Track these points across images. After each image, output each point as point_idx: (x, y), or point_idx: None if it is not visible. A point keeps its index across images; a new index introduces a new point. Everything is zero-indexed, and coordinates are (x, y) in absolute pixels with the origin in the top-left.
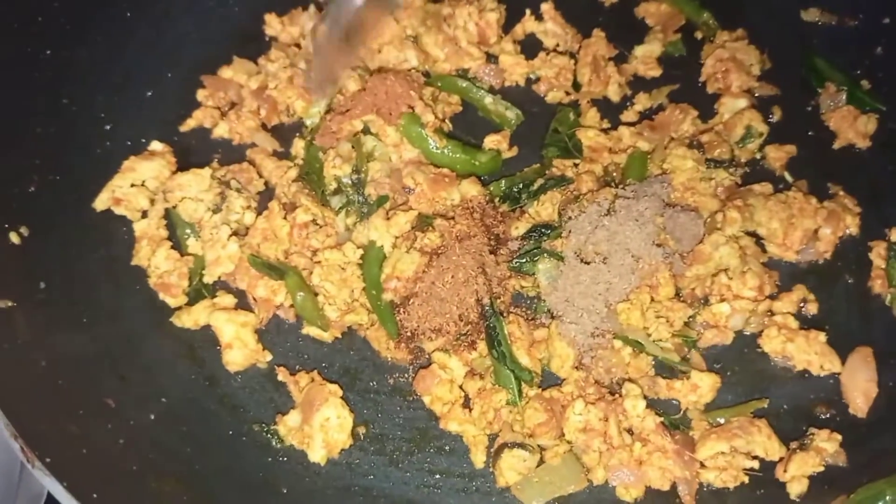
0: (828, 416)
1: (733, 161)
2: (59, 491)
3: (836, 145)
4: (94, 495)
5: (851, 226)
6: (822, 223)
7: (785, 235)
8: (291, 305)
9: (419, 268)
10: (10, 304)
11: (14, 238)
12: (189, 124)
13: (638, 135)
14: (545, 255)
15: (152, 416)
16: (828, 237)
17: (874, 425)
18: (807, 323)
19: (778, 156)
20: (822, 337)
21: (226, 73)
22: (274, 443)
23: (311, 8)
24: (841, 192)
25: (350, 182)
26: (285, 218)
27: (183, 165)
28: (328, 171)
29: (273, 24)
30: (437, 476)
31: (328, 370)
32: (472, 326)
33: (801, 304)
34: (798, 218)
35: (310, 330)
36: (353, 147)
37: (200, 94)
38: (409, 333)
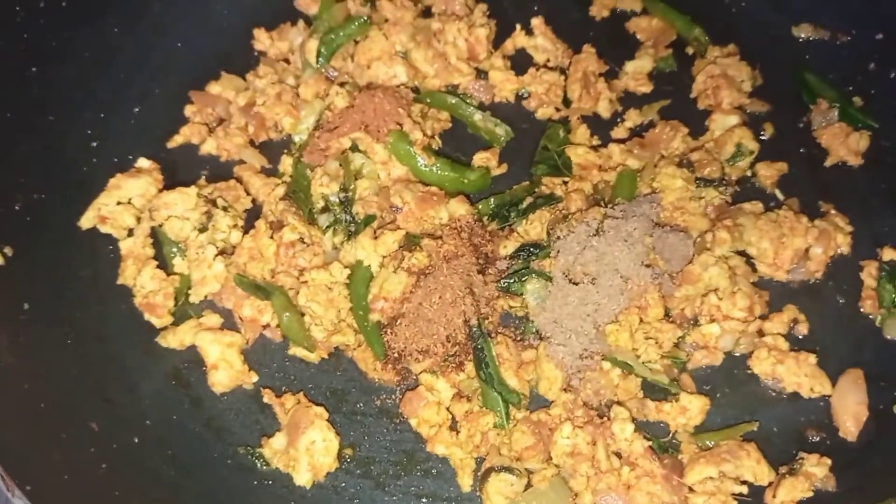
0: (818, 439)
1: (723, 180)
2: None
3: (828, 163)
4: None
5: (843, 245)
6: (812, 242)
7: (775, 255)
8: (278, 325)
9: (406, 288)
10: None
11: None
12: (176, 141)
13: (628, 152)
14: (533, 275)
15: (136, 440)
16: (819, 257)
17: (864, 449)
18: (797, 343)
19: (769, 173)
20: (813, 359)
21: (213, 88)
22: (259, 465)
23: (300, 23)
24: (832, 211)
25: (337, 200)
26: (272, 237)
27: (170, 182)
28: (315, 189)
29: (262, 39)
30: (424, 500)
31: (314, 391)
32: (459, 347)
33: (792, 325)
34: (788, 237)
35: (296, 351)
36: (340, 165)
37: (188, 110)
38: (396, 354)
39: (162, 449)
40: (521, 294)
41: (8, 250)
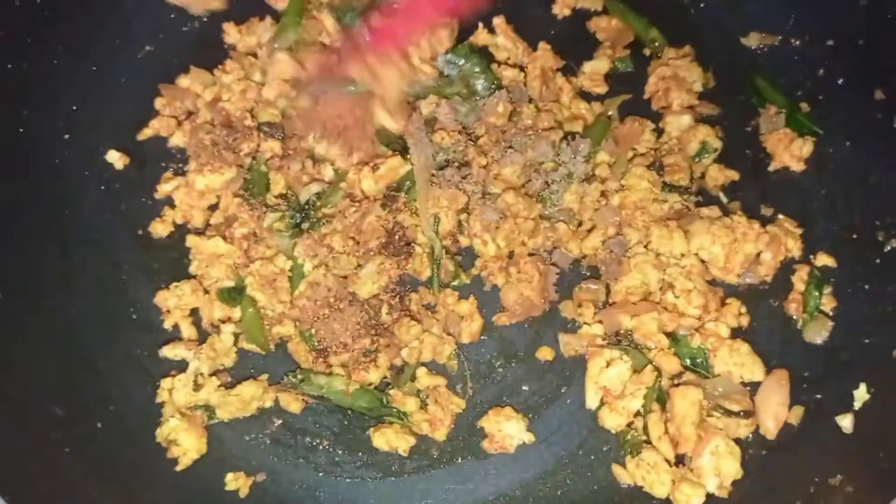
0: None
1: (689, 189)
2: None
3: (772, 167)
4: None
5: (793, 249)
6: (763, 248)
7: (727, 259)
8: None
9: (331, 291)
10: None
11: None
12: (146, 133)
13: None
14: None
15: (99, 424)
16: (769, 262)
17: (782, 448)
18: (737, 335)
19: (717, 177)
20: (746, 347)
21: (182, 82)
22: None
23: (268, 19)
24: (781, 216)
25: (291, 200)
26: (224, 237)
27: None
28: (273, 187)
29: (231, 33)
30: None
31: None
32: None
33: (737, 316)
34: (740, 243)
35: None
36: (302, 167)
37: (158, 103)
38: (321, 347)
39: (125, 434)
40: None
41: None
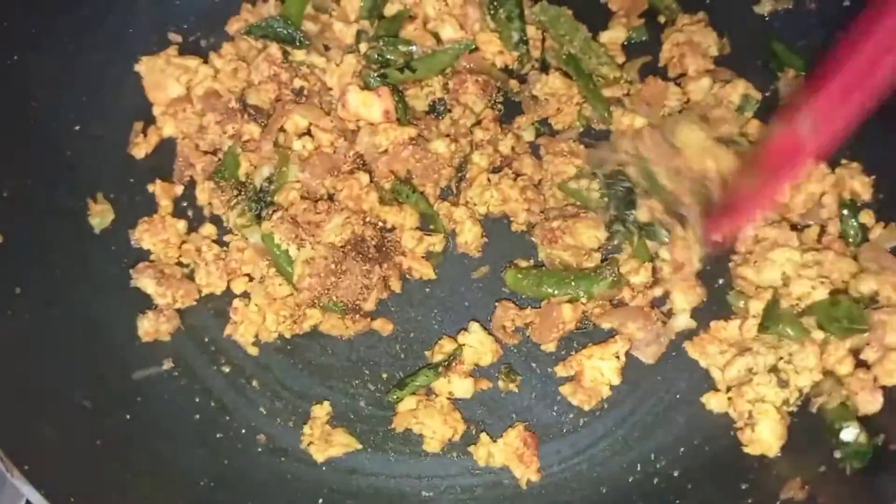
0: None
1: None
2: (37, 499)
3: None
4: (72, 500)
5: (863, 193)
6: (828, 189)
7: (790, 198)
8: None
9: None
10: None
11: None
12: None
13: (632, 112)
14: None
15: (128, 416)
16: (830, 204)
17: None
18: None
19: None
20: None
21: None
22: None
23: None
24: (844, 160)
25: (247, 188)
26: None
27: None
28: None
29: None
30: None
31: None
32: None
33: None
34: (804, 182)
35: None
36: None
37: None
38: (349, 306)
39: (155, 425)
40: None
41: None
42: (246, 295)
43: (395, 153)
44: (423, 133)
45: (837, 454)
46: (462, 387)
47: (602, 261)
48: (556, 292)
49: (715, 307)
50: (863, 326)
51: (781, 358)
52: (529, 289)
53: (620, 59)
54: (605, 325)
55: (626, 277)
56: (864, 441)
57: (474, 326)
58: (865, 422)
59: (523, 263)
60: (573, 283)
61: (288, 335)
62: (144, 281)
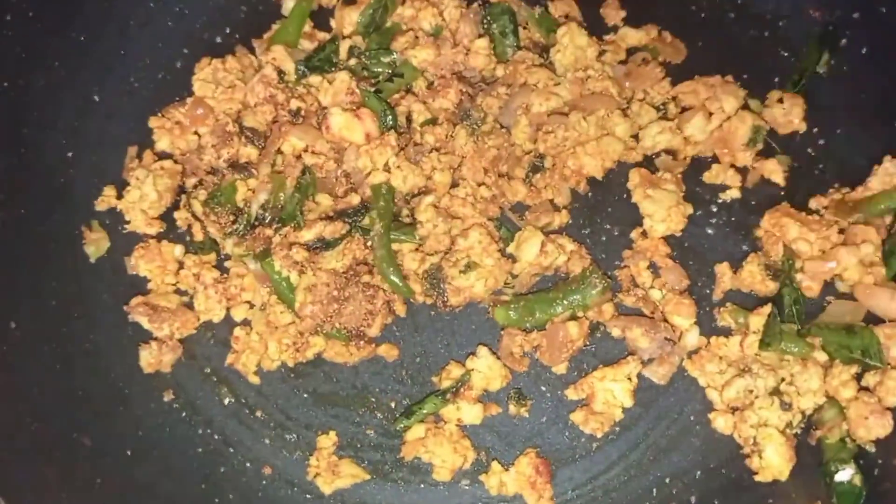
0: None
1: None
2: None
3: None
4: None
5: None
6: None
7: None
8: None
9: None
10: None
11: None
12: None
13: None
14: None
15: (129, 452)
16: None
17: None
18: None
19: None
20: None
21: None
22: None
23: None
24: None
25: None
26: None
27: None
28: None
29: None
30: None
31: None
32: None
33: None
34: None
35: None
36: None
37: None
38: (353, 333)
39: (157, 461)
40: None
41: None
42: (247, 323)
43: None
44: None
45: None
46: (471, 413)
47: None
48: (552, 313)
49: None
50: (878, 363)
51: (783, 379)
52: (524, 320)
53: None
54: (613, 332)
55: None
56: (858, 483)
57: (482, 351)
58: (861, 460)
59: (505, 297)
60: (564, 301)
61: (291, 364)
62: (138, 317)
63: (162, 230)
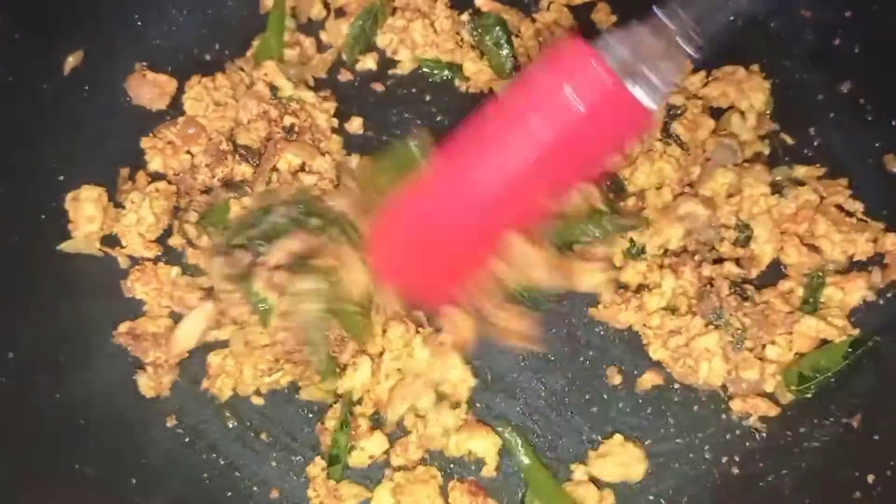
0: None
1: None
2: None
3: None
4: None
5: None
6: None
7: None
8: None
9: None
10: None
11: None
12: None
13: None
14: None
15: (134, 481)
16: None
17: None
18: None
19: None
20: None
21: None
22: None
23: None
24: None
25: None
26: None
27: None
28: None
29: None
30: None
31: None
32: None
33: None
34: None
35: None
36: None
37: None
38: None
39: (162, 487)
40: None
41: None
42: (224, 345)
43: None
44: None
45: None
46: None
47: None
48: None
49: None
50: None
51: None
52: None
53: None
54: None
55: None
56: None
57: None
58: None
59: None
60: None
61: (264, 391)
62: (125, 344)
63: (160, 253)
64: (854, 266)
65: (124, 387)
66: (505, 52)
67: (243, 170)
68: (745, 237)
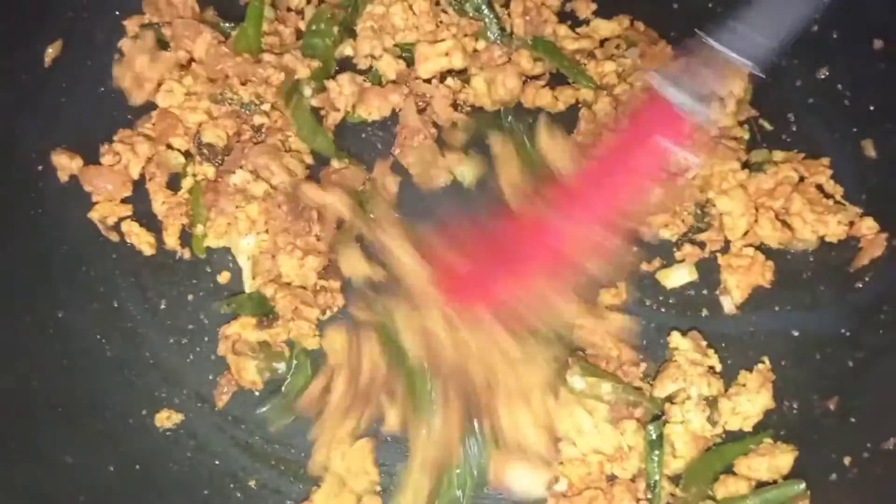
0: None
1: None
2: None
3: None
4: None
5: None
6: None
7: None
8: None
9: None
10: None
11: None
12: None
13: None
14: None
15: (112, 468)
16: None
17: None
18: None
19: None
20: None
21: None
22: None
23: None
24: None
25: None
26: None
27: None
28: None
29: None
30: None
31: None
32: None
33: None
34: None
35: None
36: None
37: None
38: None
39: (139, 476)
40: None
41: None
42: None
43: None
44: None
45: None
46: None
47: None
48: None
49: None
50: None
51: None
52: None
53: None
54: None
55: None
56: None
57: None
58: None
59: None
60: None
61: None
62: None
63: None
64: (824, 247)
65: (107, 377)
66: (488, 14)
67: (206, 170)
68: (703, 213)
